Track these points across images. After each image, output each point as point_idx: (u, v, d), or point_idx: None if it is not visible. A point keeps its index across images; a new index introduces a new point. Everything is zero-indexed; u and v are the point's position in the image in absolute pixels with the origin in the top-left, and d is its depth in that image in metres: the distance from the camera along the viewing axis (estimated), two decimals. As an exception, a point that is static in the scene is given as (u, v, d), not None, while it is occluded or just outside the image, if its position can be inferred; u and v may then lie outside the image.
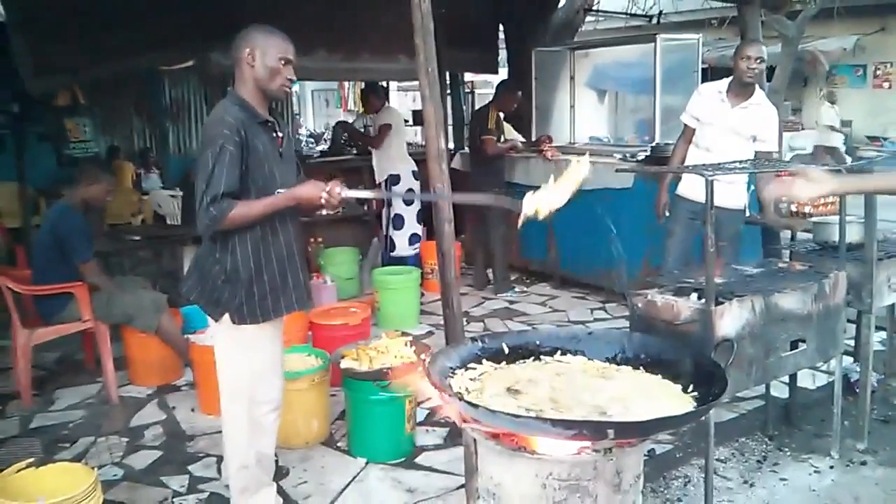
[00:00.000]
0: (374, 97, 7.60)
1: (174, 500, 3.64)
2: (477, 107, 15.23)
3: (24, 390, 4.72)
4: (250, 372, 3.14)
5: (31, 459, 3.16)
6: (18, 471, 3.06)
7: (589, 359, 2.81)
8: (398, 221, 7.40)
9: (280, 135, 3.15)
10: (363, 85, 7.54)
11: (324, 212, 3.05)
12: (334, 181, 2.99)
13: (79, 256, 4.74)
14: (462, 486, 3.49)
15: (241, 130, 2.92)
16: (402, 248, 7.40)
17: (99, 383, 5.03)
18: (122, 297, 4.85)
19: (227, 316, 3.06)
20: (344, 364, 3.89)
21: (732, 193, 4.76)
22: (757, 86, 4.81)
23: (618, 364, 2.79)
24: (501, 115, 7.00)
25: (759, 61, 4.63)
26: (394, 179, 7.33)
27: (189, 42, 6.26)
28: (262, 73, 3.01)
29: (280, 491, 3.57)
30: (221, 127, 2.90)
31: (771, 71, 7.32)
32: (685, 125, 4.99)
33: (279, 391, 3.31)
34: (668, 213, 5.13)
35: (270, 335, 3.19)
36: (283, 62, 3.03)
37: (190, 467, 3.95)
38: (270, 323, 3.14)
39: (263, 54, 3.00)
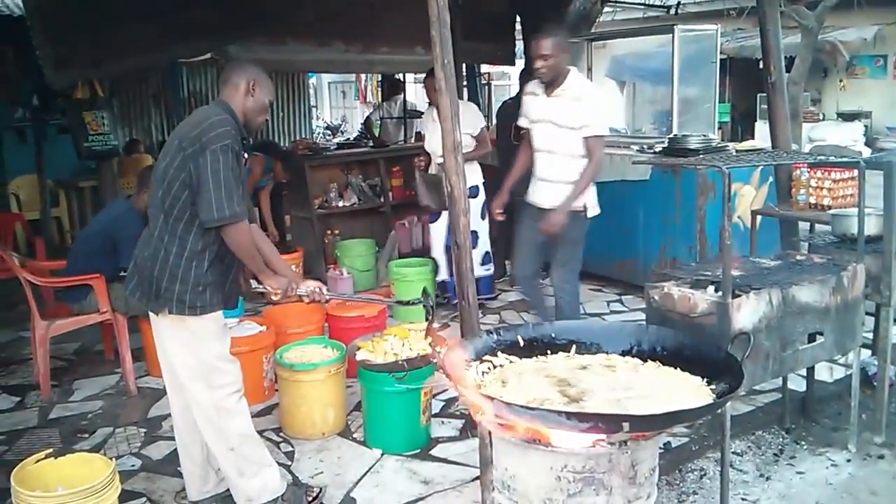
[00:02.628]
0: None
1: (192, 490, 3.66)
2: (493, 98, 15.20)
3: (43, 381, 4.76)
4: (199, 360, 3.20)
5: (49, 450, 3.19)
6: (37, 461, 3.09)
7: (607, 353, 2.81)
8: (472, 239, 6.35)
9: (245, 154, 3.40)
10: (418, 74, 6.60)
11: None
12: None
13: (126, 262, 4.78)
14: (477, 477, 3.50)
15: (238, 138, 3.11)
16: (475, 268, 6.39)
17: (117, 374, 5.07)
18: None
19: (167, 308, 3.13)
20: (360, 356, 3.91)
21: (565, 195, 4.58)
22: (573, 70, 4.68)
23: (632, 357, 2.79)
24: None
25: (542, 59, 4.50)
26: (473, 191, 6.11)
27: (208, 35, 6.27)
28: (256, 106, 3.26)
29: (296, 481, 3.59)
30: (229, 126, 3.07)
31: (790, 61, 7.28)
32: (523, 129, 4.92)
33: (235, 375, 3.33)
34: (501, 211, 5.11)
35: (212, 324, 3.23)
36: (269, 104, 3.32)
37: (207, 458, 3.98)
38: (211, 315, 3.20)
39: (262, 91, 3.26)
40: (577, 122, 4.52)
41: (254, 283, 3.26)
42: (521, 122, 4.96)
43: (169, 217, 3.09)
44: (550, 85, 4.63)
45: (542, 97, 4.69)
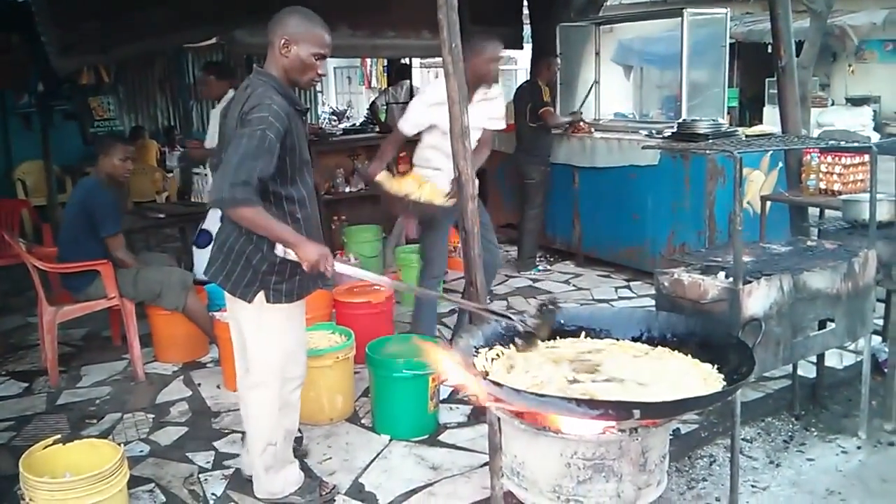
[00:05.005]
0: (214, 79, 5.96)
1: (200, 475, 3.66)
2: (500, 83, 15.09)
3: (51, 367, 4.76)
4: (283, 350, 3.18)
5: (58, 436, 3.20)
6: (46, 447, 3.10)
7: (617, 339, 2.79)
8: (203, 238, 5.88)
9: (306, 118, 3.15)
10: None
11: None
12: (332, 259, 2.95)
13: (106, 230, 4.75)
14: (486, 463, 3.48)
15: (286, 121, 2.90)
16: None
17: (125, 360, 5.07)
18: (149, 274, 4.87)
19: (260, 296, 3.07)
20: (379, 177, 4.17)
21: None
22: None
23: (642, 343, 2.78)
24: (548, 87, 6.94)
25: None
26: None
27: (214, 20, 6.24)
28: (293, 65, 2.98)
29: (304, 467, 3.59)
30: (268, 113, 2.84)
31: (799, 46, 7.22)
32: (404, 133, 4.57)
33: (304, 367, 3.37)
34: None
35: (298, 312, 3.24)
36: (316, 58, 3.00)
37: (215, 443, 3.98)
38: (301, 301, 3.21)
39: (298, 47, 2.96)
40: (490, 123, 4.58)
41: (281, 251, 2.96)
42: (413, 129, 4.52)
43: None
44: (476, 92, 4.41)
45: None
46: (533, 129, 6.87)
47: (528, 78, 7.26)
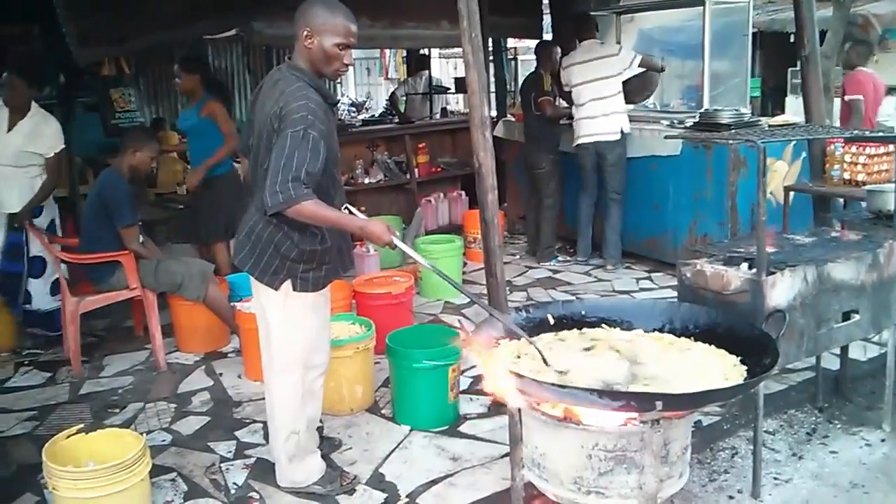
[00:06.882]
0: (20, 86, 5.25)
1: (221, 465, 3.68)
2: (519, 73, 15.06)
3: (74, 357, 4.80)
4: (306, 338, 3.19)
5: (81, 425, 3.22)
6: (69, 436, 3.12)
7: (645, 330, 2.78)
8: (38, 266, 5.22)
9: (336, 110, 3.14)
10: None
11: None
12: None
13: (120, 220, 4.76)
14: (506, 454, 3.48)
15: (324, 117, 2.89)
16: (42, 300, 5.25)
17: (147, 350, 5.11)
18: (170, 265, 4.89)
19: (287, 284, 3.07)
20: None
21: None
22: None
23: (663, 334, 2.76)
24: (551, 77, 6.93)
25: None
26: (36, 212, 5.20)
27: (232, 11, 6.25)
28: (317, 56, 2.96)
29: (325, 456, 3.59)
30: (306, 112, 2.83)
31: (822, 35, 7.15)
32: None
33: (327, 355, 3.39)
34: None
35: (323, 301, 3.27)
36: (339, 48, 2.95)
37: (237, 433, 4.00)
38: (327, 288, 3.24)
39: (320, 38, 2.92)
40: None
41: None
42: None
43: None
44: None
45: None
46: (539, 118, 6.84)
47: (534, 70, 7.22)
